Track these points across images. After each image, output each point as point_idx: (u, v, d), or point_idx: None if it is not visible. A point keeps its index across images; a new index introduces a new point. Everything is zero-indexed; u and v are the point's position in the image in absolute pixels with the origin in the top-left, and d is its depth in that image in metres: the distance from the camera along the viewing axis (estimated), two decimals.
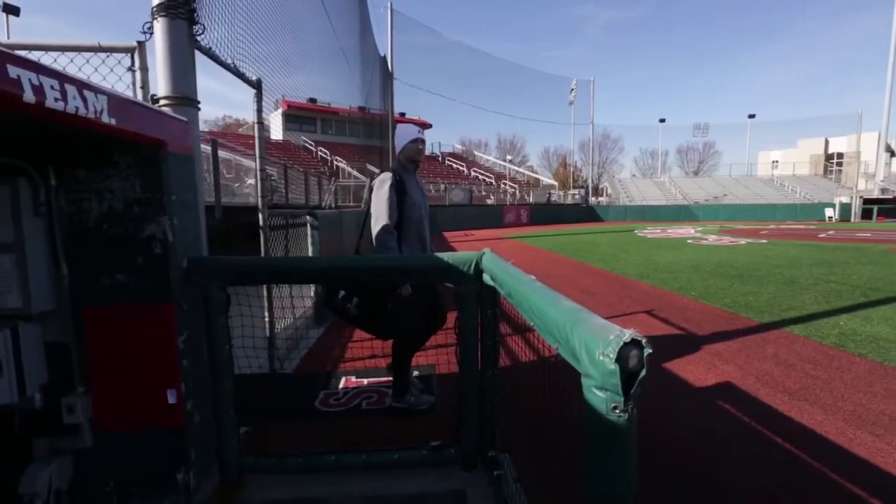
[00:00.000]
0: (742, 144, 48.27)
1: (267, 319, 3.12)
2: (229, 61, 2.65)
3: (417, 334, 2.63)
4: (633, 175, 51.09)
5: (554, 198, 33.40)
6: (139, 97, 2.15)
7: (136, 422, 1.68)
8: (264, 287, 3.12)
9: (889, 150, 34.56)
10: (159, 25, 2.02)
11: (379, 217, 2.46)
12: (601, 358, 0.69)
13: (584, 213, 31.11)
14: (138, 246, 1.64)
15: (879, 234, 16.47)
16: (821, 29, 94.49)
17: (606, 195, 39.33)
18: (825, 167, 45.21)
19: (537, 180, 39.18)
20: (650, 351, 0.68)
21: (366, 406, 2.65)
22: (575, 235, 18.02)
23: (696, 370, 3.28)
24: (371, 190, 2.58)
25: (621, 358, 0.67)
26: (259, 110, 3.13)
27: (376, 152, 17.17)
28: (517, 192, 29.88)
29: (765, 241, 13.96)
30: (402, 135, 2.68)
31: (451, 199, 23.39)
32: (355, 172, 16.60)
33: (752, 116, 46.11)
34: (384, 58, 17.91)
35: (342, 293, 2.34)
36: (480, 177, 33.65)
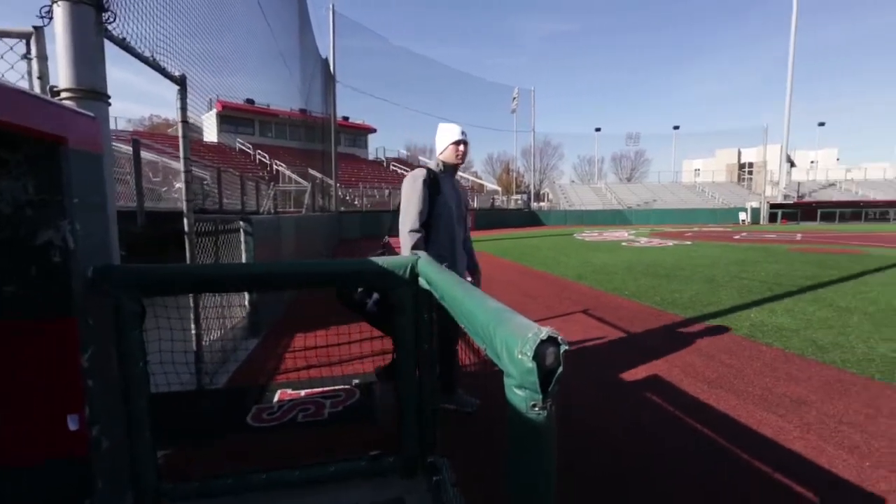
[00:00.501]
0: (669, 153, 52.15)
1: (194, 331, 2.91)
2: (147, 54, 2.46)
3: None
4: (573, 181, 53.50)
5: (497, 203, 34.18)
6: (36, 88, 1.94)
7: (27, 455, 1.49)
8: (190, 297, 2.91)
9: (789, 160, 38.73)
10: (60, 10, 1.82)
11: (407, 211, 2.36)
12: (519, 356, 0.70)
13: (527, 218, 32.11)
14: (32, 253, 1.46)
15: (783, 235, 18.40)
16: (738, 47, 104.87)
17: (548, 200, 40.86)
18: (739, 175, 49.94)
19: (481, 186, 39.93)
20: (566, 347, 0.69)
21: (302, 419, 2.54)
22: (518, 240, 18.52)
23: (628, 366, 3.46)
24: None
25: (538, 356, 0.68)
26: (183, 108, 2.93)
27: (318, 156, 16.72)
28: None
29: (689, 242, 15.11)
30: (444, 135, 2.49)
31: (395, 205, 23.28)
32: (296, 177, 16.05)
33: (676, 128, 49.99)
34: (326, 60, 17.55)
35: (361, 288, 2.26)
36: None
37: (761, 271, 8.07)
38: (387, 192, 25.38)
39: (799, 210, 34.47)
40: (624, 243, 15.30)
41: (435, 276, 1.53)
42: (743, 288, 6.44)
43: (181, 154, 2.96)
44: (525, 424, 0.73)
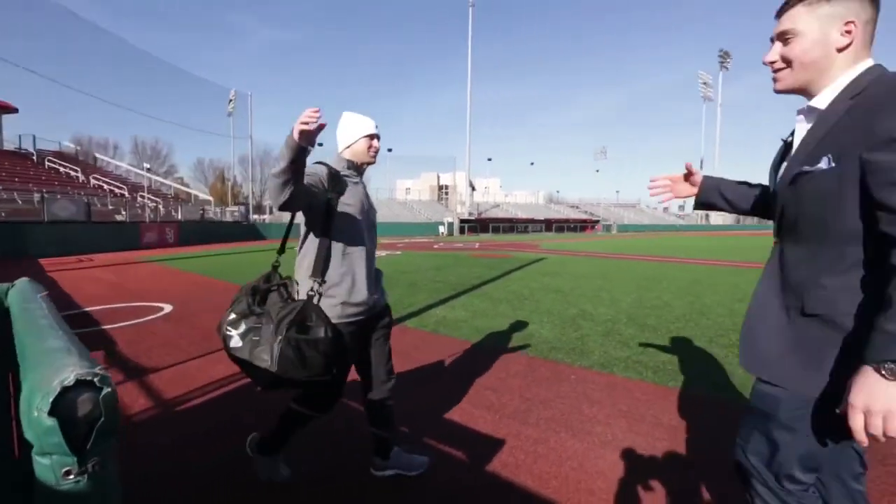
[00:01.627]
0: (385, 172, 58.19)
1: None
2: None
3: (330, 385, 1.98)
4: None
5: (209, 215, 30.19)
6: None
7: None
8: None
9: (472, 185, 49.47)
10: None
11: None
12: (36, 414, 0.52)
13: (246, 232, 29.63)
14: None
15: (468, 244, 23.24)
16: (443, 82, 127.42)
17: (270, 213, 38.90)
18: (439, 195, 60.61)
19: (189, 194, 34.49)
20: (110, 390, 0.56)
21: None
22: (236, 255, 16.79)
23: None
24: None
25: (62, 408, 0.52)
26: None
27: None
28: (161, 207, 25.32)
29: (399, 252, 17.14)
30: (353, 126, 1.98)
31: (53, 214, 17.11)
32: None
33: (390, 150, 56.12)
34: None
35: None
36: (106, 186, 26.62)
37: (450, 275, 9.87)
38: (36, 196, 18.39)
39: (478, 224, 44.63)
40: None
41: (19, 309, 1.11)
42: (435, 290, 7.69)
43: None
44: (62, 499, 0.55)
